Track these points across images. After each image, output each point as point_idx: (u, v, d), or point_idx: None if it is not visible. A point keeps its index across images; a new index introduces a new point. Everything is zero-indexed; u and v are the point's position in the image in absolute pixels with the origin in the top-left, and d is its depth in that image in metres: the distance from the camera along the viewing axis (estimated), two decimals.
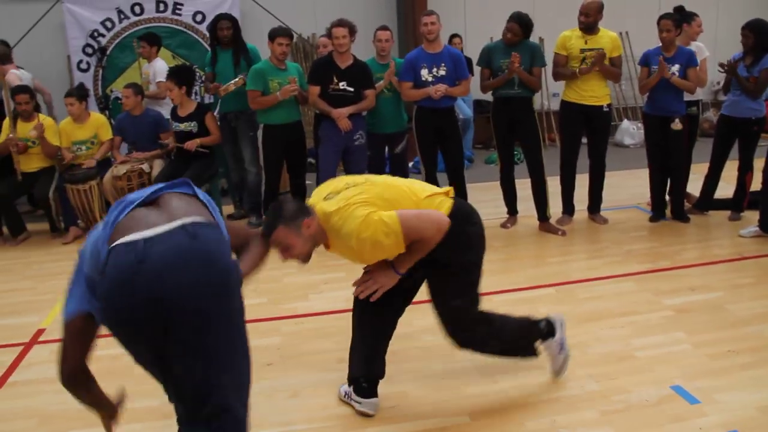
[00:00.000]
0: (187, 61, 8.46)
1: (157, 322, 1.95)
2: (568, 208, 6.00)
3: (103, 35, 8.33)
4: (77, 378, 2.16)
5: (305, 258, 2.84)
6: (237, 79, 5.96)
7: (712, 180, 5.96)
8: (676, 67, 5.57)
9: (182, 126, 6.10)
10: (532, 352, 3.25)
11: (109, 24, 8.35)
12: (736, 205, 5.88)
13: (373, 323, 3.20)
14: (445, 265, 2.98)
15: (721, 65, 5.61)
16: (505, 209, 6.04)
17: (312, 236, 2.79)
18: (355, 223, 2.67)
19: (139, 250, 1.92)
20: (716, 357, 3.51)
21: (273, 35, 5.82)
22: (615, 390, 3.22)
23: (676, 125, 5.67)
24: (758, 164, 5.64)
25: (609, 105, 5.78)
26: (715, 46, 9.89)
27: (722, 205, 6.03)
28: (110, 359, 3.19)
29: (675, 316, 4.04)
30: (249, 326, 3.94)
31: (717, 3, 11.14)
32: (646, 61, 5.76)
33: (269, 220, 2.75)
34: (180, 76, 6.08)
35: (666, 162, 5.83)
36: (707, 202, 6.04)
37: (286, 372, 3.51)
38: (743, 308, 4.11)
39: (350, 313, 4.13)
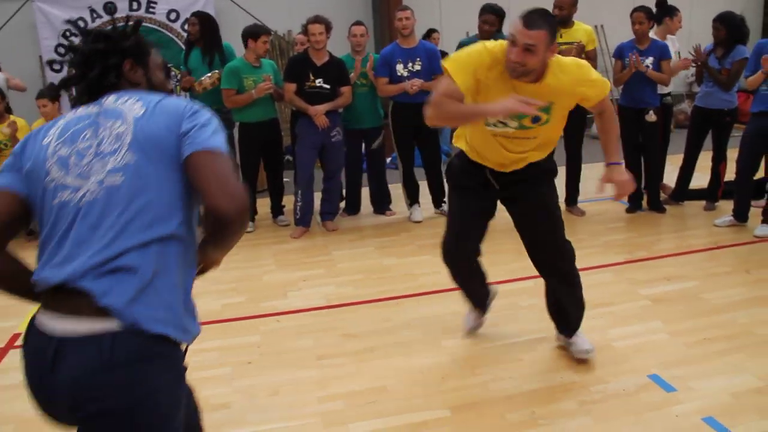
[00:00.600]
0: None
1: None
2: None
3: (75, 35, 8.22)
4: None
5: (527, 73, 2.85)
6: (211, 74, 5.90)
7: (686, 171, 6.02)
8: (649, 60, 5.61)
9: None
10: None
11: (81, 23, 8.25)
12: (711, 195, 5.94)
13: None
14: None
15: (694, 60, 5.65)
16: None
17: (545, 60, 2.86)
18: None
19: (50, 357, 1.56)
20: (692, 345, 3.55)
21: (257, 34, 5.77)
22: (593, 380, 3.25)
23: (651, 117, 5.72)
24: (732, 154, 5.69)
25: None
26: (690, 39, 9.98)
27: (698, 195, 6.10)
28: None
29: (652, 305, 4.07)
30: (229, 325, 3.99)
31: None
32: (620, 53, 5.80)
33: (537, 14, 2.77)
34: None
35: (642, 153, 5.88)
36: (683, 192, 6.11)
37: (266, 370, 3.49)
38: (718, 297, 4.16)
39: (329, 310, 4.15)
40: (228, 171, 1.65)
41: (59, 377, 1.54)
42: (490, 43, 2.95)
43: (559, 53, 5.55)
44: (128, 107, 1.72)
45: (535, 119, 3.01)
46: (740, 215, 5.46)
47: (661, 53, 5.67)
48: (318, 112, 5.54)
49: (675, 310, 4.00)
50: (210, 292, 4.53)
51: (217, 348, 3.70)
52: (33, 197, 1.73)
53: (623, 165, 3.16)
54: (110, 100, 1.77)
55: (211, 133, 1.71)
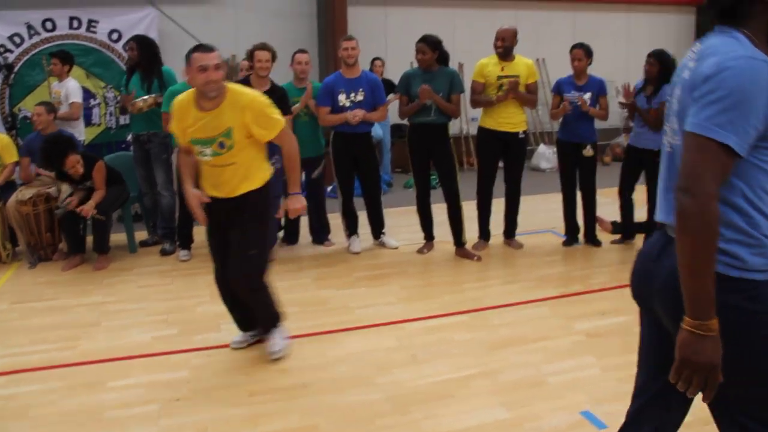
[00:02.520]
0: (101, 80, 8.25)
1: None
2: (484, 234, 6.08)
3: (11, 51, 8.01)
4: None
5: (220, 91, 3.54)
6: (147, 97, 5.80)
7: (626, 206, 6.09)
8: (587, 96, 5.73)
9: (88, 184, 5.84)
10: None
11: (17, 39, 8.05)
12: (648, 238, 5.97)
13: None
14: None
15: (621, 104, 5.76)
16: (422, 234, 6.05)
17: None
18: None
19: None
20: (625, 380, 3.56)
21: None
22: (526, 417, 3.24)
23: (588, 151, 5.83)
24: None
25: (525, 132, 5.89)
26: (627, 76, 10.29)
27: (640, 228, 6.21)
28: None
29: (586, 340, 4.11)
30: (157, 359, 3.87)
31: (627, 34, 11.62)
32: (558, 89, 5.91)
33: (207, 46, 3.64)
34: (56, 151, 5.62)
35: (578, 187, 5.99)
36: (629, 227, 6.18)
37: (195, 407, 3.38)
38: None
39: (262, 344, 4.07)
40: None
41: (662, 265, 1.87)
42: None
43: (499, 87, 5.70)
44: None
45: (222, 145, 3.54)
46: None
47: (599, 89, 5.80)
48: None
49: (608, 344, 4.04)
50: (140, 324, 4.41)
51: (144, 384, 3.58)
52: None
53: (300, 195, 3.88)
54: None
55: None
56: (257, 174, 3.73)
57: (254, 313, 3.93)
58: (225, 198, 3.69)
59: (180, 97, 3.69)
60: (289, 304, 4.76)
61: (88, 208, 5.54)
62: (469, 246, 5.89)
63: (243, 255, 3.70)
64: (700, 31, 12.25)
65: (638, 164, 5.83)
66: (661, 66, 5.60)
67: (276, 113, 3.65)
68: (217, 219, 3.76)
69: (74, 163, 5.58)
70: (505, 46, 5.65)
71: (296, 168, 3.79)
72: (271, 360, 3.86)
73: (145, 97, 5.82)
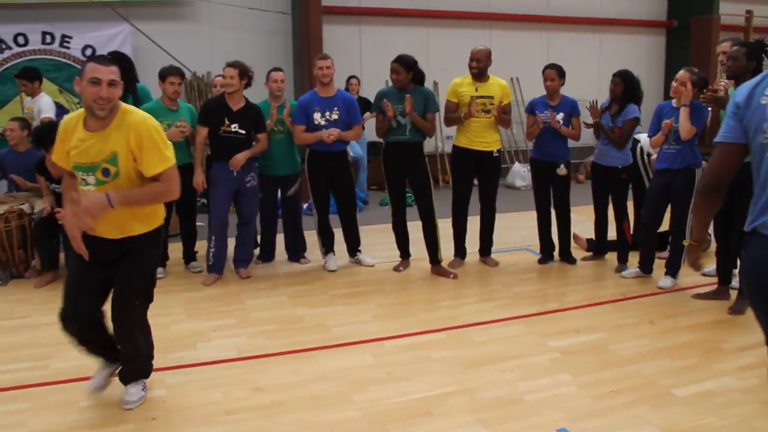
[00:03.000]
0: (75, 96, 8.20)
1: None
2: (460, 251, 6.10)
3: None
4: None
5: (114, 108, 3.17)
6: None
7: (599, 225, 6.16)
8: (560, 115, 5.81)
9: (60, 188, 5.76)
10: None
11: None
12: (620, 257, 6.04)
13: None
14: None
15: (587, 124, 5.85)
16: (398, 252, 6.06)
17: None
18: None
19: None
20: (599, 397, 3.60)
21: (164, 74, 5.68)
22: None
23: (562, 170, 5.90)
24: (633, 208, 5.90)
25: (499, 150, 5.94)
26: (599, 95, 10.43)
27: (612, 247, 6.29)
28: None
29: (561, 357, 4.13)
30: None
31: (599, 55, 11.81)
32: (532, 109, 5.98)
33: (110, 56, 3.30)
34: (39, 137, 5.63)
35: (552, 205, 6.05)
36: (602, 245, 6.25)
37: (171, 427, 3.34)
38: (625, 348, 4.26)
39: (239, 362, 4.04)
40: None
41: None
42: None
43: (468, 105, 5.75)
44: None
45: (106, 172, 3.12)
46: (646, 267, 5.66)
47: (572, 109, 5.88)
48: (237, 162, 5.49)
49: (583, 362, 4.07)
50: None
51: (118, 403, 3.53)
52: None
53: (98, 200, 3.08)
54: None
55: None
56: (151, 214, 3.34)
57: (124, 360, 3.55)
58: (111, 239, 3.26)
59: (69, 115, 3.30)
60: (264, 322, 4.75)
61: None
62: (445, 264, 5.91)
63: (128, 305, 3.38)
64: (670, 52, 12.51)
65: (605, 181, 5.92)
66: (625, 85, 5.71)
67: (168, 149, 3.20)
68: (101, 258, 3.30)
69: None
70: (480, 66, 5.71)
71: (146, 201, 3.24)
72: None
73: None
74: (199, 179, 5.55)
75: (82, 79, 3.05)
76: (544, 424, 3.32)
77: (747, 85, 2.43)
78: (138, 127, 3.11)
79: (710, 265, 5.58)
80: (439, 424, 3.34)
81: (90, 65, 3.07)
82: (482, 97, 5.71)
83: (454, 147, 5.97)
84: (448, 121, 5.91)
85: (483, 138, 5.79)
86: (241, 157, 5.49)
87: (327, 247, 6.06)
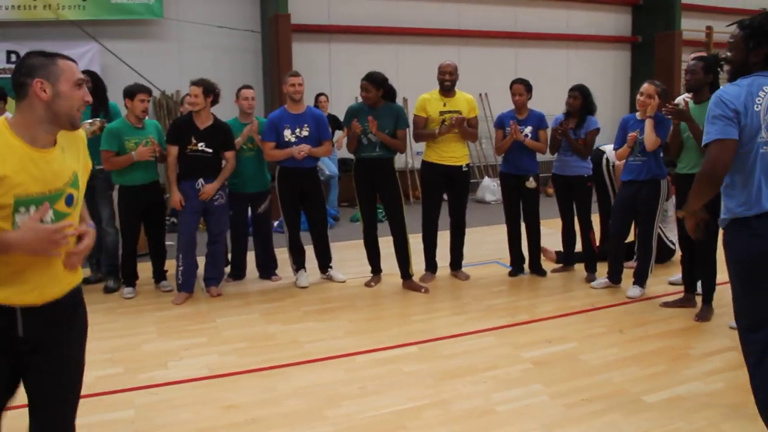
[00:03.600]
0: None
1: None
2: (431, 266, 6.12)
3: None
4: None
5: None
6: (92, 121, 5.61)
7: (567, 235, 6.23)
8: (528, 129, 5.88)
9: None
10: None
11: None
12: (588, 267, 6.12)
13: None
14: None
15: (555, 131, 5.92)
16: (369, 268, 6.07)
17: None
18: None
19: None
20: (572, 406, 3.63)
21: (133, 92, 5.64)
22: None
23: (531, 183, 5.96)
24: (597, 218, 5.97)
25: (468, 165, 5.99)
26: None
27: (580, 259, 6.35)
28: None
29: (533, 368, 4.16)
30: (100, 399, 3.76)
31: (567, 70, 11.98)
32: (500, 123, 6.05)
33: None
34: None
35: (522, 218, 6.11)
36: (570, 256, 6.32)
37: None
38: (596, 357, 4.30)
39: (210, 381, 4.01)
40: None
41: None
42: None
43: (442, 122, 5.80)
44: None
45: (69, 199, 2.27)
46: (614, 277, 5.72)
47: (539, 122, 5.96)
48: (207, 194, 5.51)
49: (555, 372, 4.09)
50: None
51: (85, 425, 3.45)
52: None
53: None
54: None
55: None
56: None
57: None
58: (42, 305, 2.24)
59: None
60: (236, 339, 4.72)
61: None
62: (416, 278, 5.92)
63: (61, 406, 2.41)
64: (635, 66, 12.73)
65: (569, 191, 6.00)
66: (584, 99, 5.83)
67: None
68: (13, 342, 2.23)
69: None
70: (453, 80, 5.78)
71: None
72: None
73: (90, 121, 5.68)
74: (176, 197, 5.50)
75: (59, 82, 2.17)
76: None
77: (739, 95, 2.85)
78: (83, 136, 2.43)
79: (676, 273, 5.67)
80: None
81: (65, 63, 2.22)
82: (450, 111, 5.76)
83: (424, 162, 6.00)
84: (418, 137, 5.95)
85: (452, 153, 5.83)
86: (210, 189, 5.50)
87: (298, 263, 6.05)
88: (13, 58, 8.14)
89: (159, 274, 5.96)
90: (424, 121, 5.85)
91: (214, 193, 5.52)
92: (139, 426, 3.49)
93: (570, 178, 5.93)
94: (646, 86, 5.31)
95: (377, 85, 5.60)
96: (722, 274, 5.02)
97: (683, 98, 5.16)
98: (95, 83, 6.00)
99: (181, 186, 5.53)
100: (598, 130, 5.83)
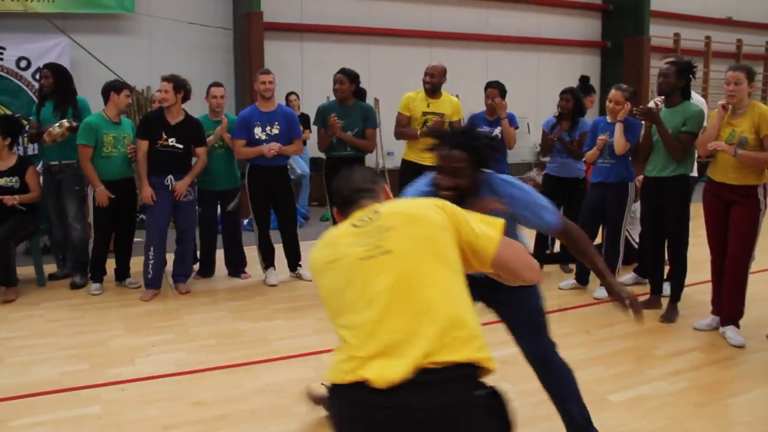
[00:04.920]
0: (8, 109, 8.00)
1: None
2: None
3: None
4: None
5: None
6: (60, 124, 5.61)
7: (542, 237, 6.29)
8: (498, 130, 5.94)
9: (1, 181, 5.62)
10: None
11: None
12: (566, 257, 6.29)
13: None
14: None
15: (556, 137, 5.99)
16: None
17: None
18: None
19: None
20: (539, 405, 3.66)
21: (120, 87, 5.63)
22: None
23: None
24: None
25: None
26: (537, 111, 10.69)
27: (554, 259, 6.43)
28: None
29: (501, 367, 4.09)
30: (66, 395, 3.72)
31: (537, 73, 12.09)
32: (471, 124, 6.08)
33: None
34: (4, 126, 5.66)
35: None
36: (542, 257, 6.37)
37: None
38: (562, 357, 4.33)
39: (178, 377, 3.98)
40: None
41: None
42: None
43: (425, 123, 5.82)
44: None
45: None
46: (582, 278, 5.80)
47: (510, 122, 6.01)
48: (181, 192, 5.51)
49: (523, 371, 4.09)
50: (48, 360, 4.24)
51: (51, 421, 3.43)
52: None
53: None
54: None
55: None
56: None
57: None
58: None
59: None
60: (205, 336, 4.70)
61: (11, 198, 5.50)
62: None
63: None
64: (605, 70, 12.90)
65: (561, 193, 6.07)
66: (575, 101, 5.91)
67: None
68: None
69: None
70: (433, 82, 5.80)
71: None
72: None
73: (58, 123, 5.65)
74: (147, 192, 5.46)
75: None
76: None
77: None
78: None
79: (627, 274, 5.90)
80: None
81: None
82: (434, 113, 5.78)
83: (403, 161, 6.01)
84: (399, 135, 5.96)
85: (431, 154, 5.83)
86: (181, 186, 5.50)
87: (267, 262, 6.03)
88: None
89: (123, 272, 5.90)
90: (407, 119, 5.87)
91: (185, 189, 5.50)
92: (107, 421, 3.46)
93: (567, 179, 6.04)
94: (613, 93, 5.35)
95: (351, 78, 5.64)
96: (692, 274, 5.17)
97: (655, 101, 5.25)
98: (59, 77, 5.93)
99: (151, 181, 5.48)
100: None
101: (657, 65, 5.66)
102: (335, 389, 1.91)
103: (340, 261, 2.03)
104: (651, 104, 5.03)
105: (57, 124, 5.63)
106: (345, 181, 2.32)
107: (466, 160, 2.75)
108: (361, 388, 1.81)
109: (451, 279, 1.98)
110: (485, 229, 2.13)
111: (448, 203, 2.16)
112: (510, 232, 2.41)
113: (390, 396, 1.78)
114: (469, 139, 2.80)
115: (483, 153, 2.79)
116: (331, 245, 2.11)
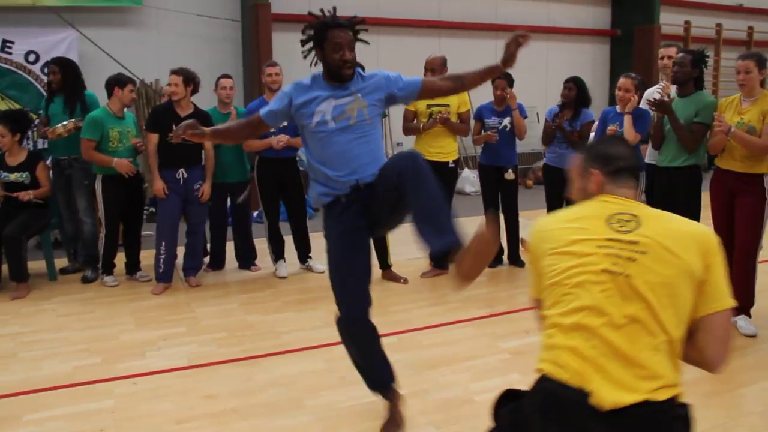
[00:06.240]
0: (17, 103, 8.02)
1: None
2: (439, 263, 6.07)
3: None
4: None
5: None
6: (67, 123, 5.66)
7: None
8: (507, 120, 5.91)
9: (12, 176, 5.65)
10: None
11: None
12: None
13: None
14: None
15: (556, 126, 5.96)
16: None
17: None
18: None
19: None
20: None
21: (124, 81, 5.63)
22: None
23: (509, 175, 5.99)
24: None
25: (456, 161, 5.97)
26: (546, 101, 10.63)
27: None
28: None
29: (511, 358, 4.19)
30: (79, 389, 3.74)
31: (546, 62, 12.02)
32: (479, 115, 6.07)
33: None
34: (14, 122, 5.68)
35: (501, 209, 6.13)
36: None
37: None
38: None
39: (189, 371, 4.00)
40: None
41: None
42: None
43: (430, 115, 5.79)
44: None
45: None
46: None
47: (518, 112, 5.97)
48: (207, 194, 5.67)
49: (533, 361, 4.06)
50: (60, 354, 4.27)
51: (64, 416, 3.46)
52: None
53: None
54: None
55: None
56: None
57: None
58: None
59: None
60: (215, 329, 4.71)
61: (26, 194, 5.55)
62: (395, 269, 5.93)
63: None
64: (614, 59, 12.81)
65: (561, 183, 6.02)
66: (578, 90, 5.86)
67: None
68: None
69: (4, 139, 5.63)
70: (434, 75, 5.76)
71: None
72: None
73: (65, 122, 5.68)
74: (159, 185, 5.47)
75: None
76: None
77: None
78: None
79: None
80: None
81: None
82: (438, 105, 5.73)
83: None
84: (406, 131, 5.94)
85: (439, 148, 5.80)
86: (207, 189, 5.65)
87: (277, 254, 6.04)
88: None
89: (133, 265, 5.93)
90: (413, 114, 5.85)
91: (210, 190, 5.62)
92: (120, 416, 3.48)
93: (564, 170, 5.96)
94: (622, 80, 5.34)
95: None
96: None
97: (656, 88, 5.22)
98: (67, 72, 5.94)
99: (162, 174, 5.50)
100: (593, 123, 5.86)
101: (663, 54, 5.58)
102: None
103: (580, 257, 2.00)
104: (652, 92, 4.98)
105: (63, 124, 5.66)
106: (611, 146, 2.30)
107: None
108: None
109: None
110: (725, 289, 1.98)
111: (715, 240, 1.98)
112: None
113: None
114: None
115: None
116: (581, 230, 2.05)
